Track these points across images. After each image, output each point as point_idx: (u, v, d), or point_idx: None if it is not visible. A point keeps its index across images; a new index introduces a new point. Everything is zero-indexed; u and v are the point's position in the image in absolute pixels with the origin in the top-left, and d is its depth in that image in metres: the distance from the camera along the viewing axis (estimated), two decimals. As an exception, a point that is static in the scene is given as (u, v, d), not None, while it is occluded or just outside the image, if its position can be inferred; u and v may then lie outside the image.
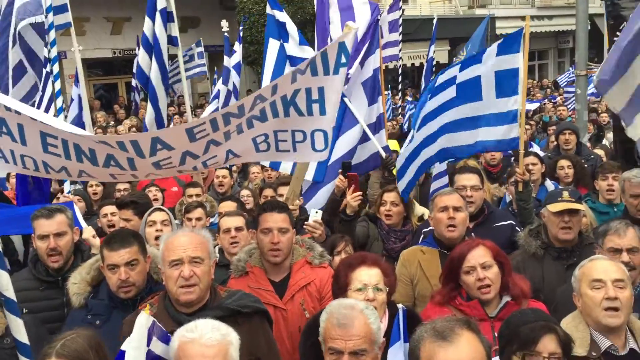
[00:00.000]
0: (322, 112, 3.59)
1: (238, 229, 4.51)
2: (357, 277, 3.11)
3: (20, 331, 2.29)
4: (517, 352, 2.70)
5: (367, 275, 3.10)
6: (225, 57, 11.92)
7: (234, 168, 9.07)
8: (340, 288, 3.14)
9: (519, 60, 4.83)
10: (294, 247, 3.77)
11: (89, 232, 4.40)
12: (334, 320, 2.64)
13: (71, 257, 3.84)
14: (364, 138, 6.16)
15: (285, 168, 6.19)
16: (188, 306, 2.98)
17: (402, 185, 5.29)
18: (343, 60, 3.44)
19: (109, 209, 5.50)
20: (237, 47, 11.92)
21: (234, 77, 11.17)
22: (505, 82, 4.88)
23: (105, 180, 4.88)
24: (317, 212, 4.47)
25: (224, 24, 14.56)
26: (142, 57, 7.18)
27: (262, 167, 8.24)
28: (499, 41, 5.03)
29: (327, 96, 3.55)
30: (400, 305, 2.86)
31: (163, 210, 4.77)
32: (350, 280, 3.11)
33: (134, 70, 10.99)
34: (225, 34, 13.81)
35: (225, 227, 4.51)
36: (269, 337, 3.25)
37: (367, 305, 2.75)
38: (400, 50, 12.68)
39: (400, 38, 12.59)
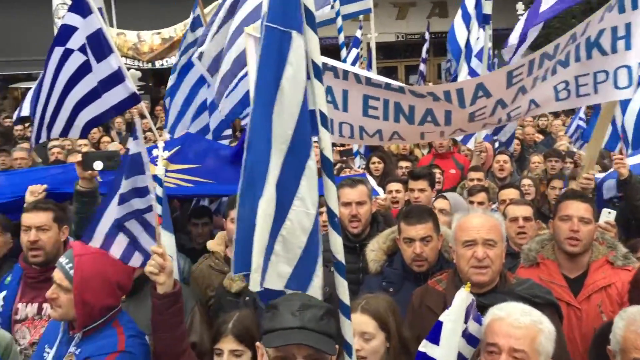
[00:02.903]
0: (628, 47, 3.59)
1: (526, 218, 4.39)
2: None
3: (345, 292, 2.59)
4: None
5: None
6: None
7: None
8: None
9: None
10: (593, 244, 3.52)
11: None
12: (636, 328, 2.42)
13: (368, 226, 4.15)
14: None
15: None
16: (479, 287, 3.01)
17: None
18: None
19: (394, 185, 5.79)
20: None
21: None
22: None
23: (413, 141, 5.33)
24: (609, 212, 4.10)
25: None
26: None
27: (545, 156, 7.86)
28: None
29: (634, 31, 3.57)
30: None
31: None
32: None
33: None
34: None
35: (512, 215, 4.41)
36: (560, 333, 3.10)
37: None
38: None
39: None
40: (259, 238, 2.45)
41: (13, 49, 16.80)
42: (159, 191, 4.10)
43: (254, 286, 2.48)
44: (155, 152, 3.97)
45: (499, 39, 9.38)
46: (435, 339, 2.45)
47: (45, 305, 3.40)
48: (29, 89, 7.75)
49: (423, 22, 18.95)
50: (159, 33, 11.92)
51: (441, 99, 3.65)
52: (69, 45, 5.37)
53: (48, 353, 2.81)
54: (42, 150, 10.06)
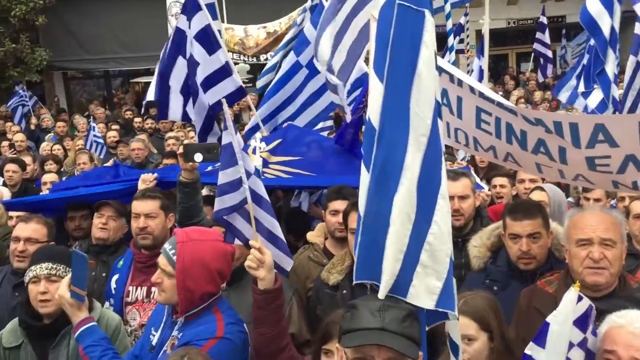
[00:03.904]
0: None
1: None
2: None
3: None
4: None
5: None
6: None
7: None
8: None
9: None
10: None
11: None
12: None
13: (471, 221, 3.99)
14: None
15: None
16: (594, 289, 2.79)
17: None
18: None
19: (499, 180, 5.53)
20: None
21: None
22: None
23: (530, 172, 4.14)
24: None
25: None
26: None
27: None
28: None
29: None
30: None
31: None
32: None
33: None
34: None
35: (637, 212, 4.08)
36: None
37: None
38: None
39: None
40: (395, 240, 2.16)
41: (134, 45, 17.86)
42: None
43: (383, 294, 2.18)
44: (252, 142, 4.05)
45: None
46: (541, 341, 2.31)
47: (154, 289, 3.54)
48: (148, 83, 8.25)
49: (536, 7, 18.05)
50: (264, 27, 12.20)
51: (552, 131, 3.00)
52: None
53: (154, 335, 2.92)
54: (158, 141, 10.67)
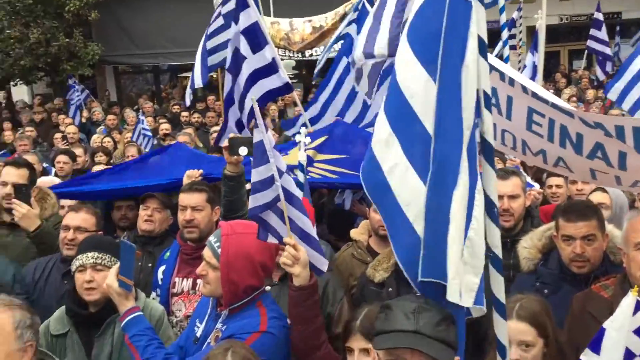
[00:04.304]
0: None
1: None
2: None
3: (501, 289, 2.37)
4: None
5: None
6: None
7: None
8: None
9: None
10: None
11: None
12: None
13: (521, 221, 3.87)
14: None
15: None
16: (653, 295, 2.66)
17: None
18: None
19: (555, 180, 5.36)
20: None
21: None
22: None
23: (582, 178, 3.89)
24: None
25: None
26: None
27: None
28: None
29: None
30: None
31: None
32: None
33: None
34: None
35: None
36: None
37: None
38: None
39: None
40: (455, 236, 2.12)
41: (182, 40, 18.12)
42: (301, 177, 4.15)
43: (453, 296, 2.12)
44: (298, 137, 4.02)
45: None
46: (596, 347, 2.24)
47: (199, 281, 3.56)
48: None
49: (590, 3, 17.47)
50: (310, 20, 12.18)
51: (613, 135, 2.83)
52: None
53: (198, 327, 2.94)
54: (204, 135, 10.82)
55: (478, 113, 2.24)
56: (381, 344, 2.05)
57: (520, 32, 10.42)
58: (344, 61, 6.52)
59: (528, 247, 3.48)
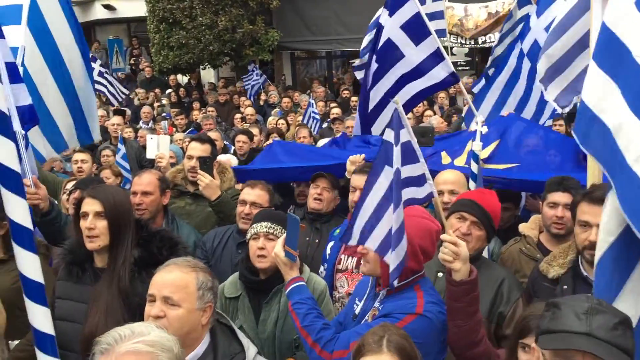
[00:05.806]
0: None
1: None
2: None
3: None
4: None
5: None
6: None
7: None
8: None
9: None
10: None
11: None
12: None
13: None
14: None
15: None
16: None
17: None
18: None
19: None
20: None
21: None
22: None
23: None
24: None
25: None
26: None
27: None
28: None
29: None
30: None
31: None
32: None
33: None
34: None
35: None
36: None
37: None
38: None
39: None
40: None
41: (356, 26, 18.31)
42: (474, 167, 4.05)
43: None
44: (473, 125, 3.91)
45: None
46: None
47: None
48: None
49: None
50: (486, 6, 11.68)
51: None
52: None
53: (357, 305, 3.02)
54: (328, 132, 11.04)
55: None
56: (549, 343, 1.96)
57: None
58: (518, 46, 6.16)
59: None
